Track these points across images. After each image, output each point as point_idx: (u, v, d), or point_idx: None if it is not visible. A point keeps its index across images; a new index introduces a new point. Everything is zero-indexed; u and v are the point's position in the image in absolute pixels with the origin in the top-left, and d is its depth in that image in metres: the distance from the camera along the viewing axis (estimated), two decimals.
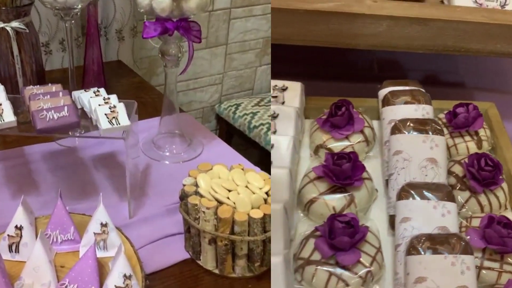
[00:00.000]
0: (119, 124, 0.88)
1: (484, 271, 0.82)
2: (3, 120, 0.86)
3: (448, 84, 1.30)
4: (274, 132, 0.97)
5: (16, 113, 0.89)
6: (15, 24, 1.14)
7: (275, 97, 1.04)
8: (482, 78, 1.34)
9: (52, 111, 0.86)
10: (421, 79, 1.13)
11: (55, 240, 0.80)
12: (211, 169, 0.92)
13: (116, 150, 1.15)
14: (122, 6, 1.59)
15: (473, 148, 1.02)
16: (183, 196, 0.87)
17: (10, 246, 0.78)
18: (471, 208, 0.92)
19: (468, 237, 0.84)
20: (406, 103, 1.03)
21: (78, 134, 0.91)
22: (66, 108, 0.87)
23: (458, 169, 0.95)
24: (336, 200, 0.90)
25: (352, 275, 0.80)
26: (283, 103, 1.03)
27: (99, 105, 0.89)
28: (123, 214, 0.97)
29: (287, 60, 1.22)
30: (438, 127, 0.97)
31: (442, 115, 1.06)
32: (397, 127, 0.97)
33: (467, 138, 1.03)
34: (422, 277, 0.77)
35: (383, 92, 1.08)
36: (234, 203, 0.84)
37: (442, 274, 0.77)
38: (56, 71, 1.51)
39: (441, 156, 0.94)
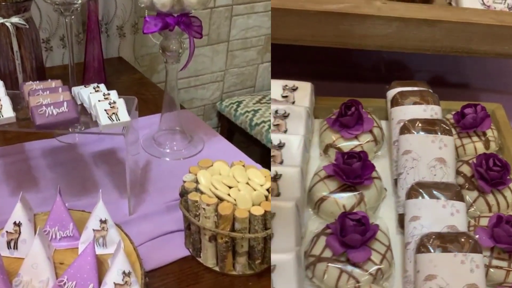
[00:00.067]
0: (119, 120, 0.87)
1: (492, 270, 0.84)
2: (2, 116, 0.86)
3: (454, 85, 1.31)
4: (285, 131, 0.99)
5: (16, 109, 0.88)
6: (15, 19, 1.14)
7: (286, 96, 1.06)
8: (488, 79, 1.34)
9: (51, 106, 0.85)
10: (427, 79, 1.14)
11: (54, 236, 0.80)
12: (212, 165, 0.91)
13: (116, 147, 1.14)
14: (123, 3, 1.58)
15: (480, 148, 1.03)
16: (183, 193, 0.87)
17: (8, 243, 0.78)
18: (479, 208, 0.93)
19: (477, 236, 0.85)
20: (415, 103, 1.05)
21: (77, 130, 0.90)
22: (65, 103, 0.86)
23: (466, 169, 0.96)
24: (346, 199, 0.91)
25: (362, 272, 0.81)
26: (293, 102, 1.05)
27: (99, 100, 0.89)
28: (123, 211, 0.96)
29: (295, 61, 1.24)
30: (446, 127, 0.98)
31: (449, 116, 1.07)
32: (406, 127, 0.98)
33: (475, 138, 1.04)
34: (432, 275, 0.79)
35: (391, 92, 1.10)
36: (235, 199, 0.83)
37: (452, 272, 0.79)
38: (57, 68, 1.51)
39: (449, 156, 0.95)
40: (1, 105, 0.86)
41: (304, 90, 1.07)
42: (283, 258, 0.78)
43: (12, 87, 1.16)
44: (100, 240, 0.79)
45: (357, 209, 0.91)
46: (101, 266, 0.74)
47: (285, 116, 1.01)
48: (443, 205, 0.87)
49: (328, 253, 0.83)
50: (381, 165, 1.01)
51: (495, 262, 0.84)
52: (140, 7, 1.02)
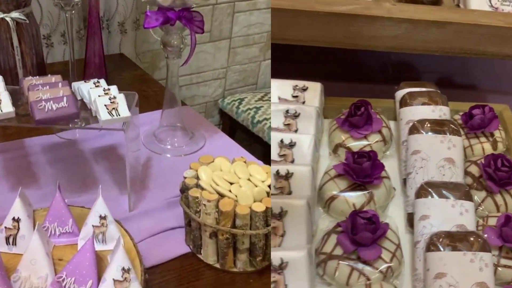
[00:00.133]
0: (119, 115, 0.87)
1: (500, 269, 0.85)
2: (1, 111, 0.85)
3: (461, 86, 1.32)
4: (296, 131, 1.00)
5: (15, 105, 0.87)
6: (15, 14, 1.13)
7: (296, 96, 1.07)
8: (496, 81, 1.35)
9: (51, 101, 0.84)
10: (435, 80, 1.15)
11: (53, 232, 0.79)
12: (213, 161, 0.90)
13: (116, 143, 1.13)
14: None
15: (488, 149, 1.04)
16: (184, 189, 0.86)
17: (7, 238, 0.77)
18: (487, 208, 0.94)
19: (486, 235, 0.86)
20: (423, 104, 1.05)
21: (77, 126, 0.90)
22: (65, 98, 0.85)
23: (474, 169, 0.97)
24: (356, 198, 0.92)
25: (373, 270, 0.82)
26: (303, 102, 1.06)
27: (99, 96, 0.88)
28: (123, 207, 0.95)
29: (304, 61, 1.25)
30: (455, 128, 0.99)
31: (457, 117, 1.08)
32: (415, 128, 0.99)
33: (483, 139, 1.04)
34: (442, 273, 0.80)
35: (400, 93, 1.10)
36: (236, 196, 0.83)
37: (461, 271, 0.80)
38: (58, 64, 1.50)
39: (458, 156, 0.96)
40: (0, 100, 0.85)
41: (314, 90, 1.08)
42: (295, 255, 0.79)
43: (12, 83, 1.15)
44: (99, 236, 0.78)
45: (367, 207, 0.91)
46: (100, 263, 0.74)
47: (295, 115, 1.02)
48: (452, 205, 0.88)
49: (339, 251, 0.84)
50: (390, 165, 1.02)
51: (503, 261, 0.85)
52: (141, 3, 1.01)
